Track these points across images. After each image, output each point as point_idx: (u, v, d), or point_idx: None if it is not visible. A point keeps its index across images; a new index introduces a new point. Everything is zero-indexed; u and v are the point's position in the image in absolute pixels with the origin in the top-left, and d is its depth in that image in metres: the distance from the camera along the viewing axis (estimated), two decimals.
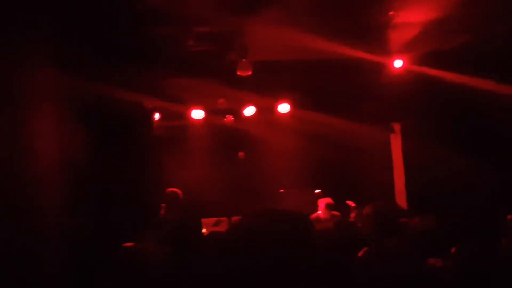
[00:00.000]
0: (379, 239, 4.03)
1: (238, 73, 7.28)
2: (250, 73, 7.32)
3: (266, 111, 9.71)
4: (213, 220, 8.03)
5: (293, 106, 9.48)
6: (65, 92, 4.39)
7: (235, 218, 7.08)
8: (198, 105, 9.59)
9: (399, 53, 8.01)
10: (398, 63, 8.13)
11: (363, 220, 4.28)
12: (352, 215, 7.23)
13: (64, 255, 4.12)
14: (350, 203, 7.65)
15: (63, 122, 4.39)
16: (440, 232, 3.63)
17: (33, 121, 3.74)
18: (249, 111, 9.63)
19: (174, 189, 7.11)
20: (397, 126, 9.95)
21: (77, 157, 4.62)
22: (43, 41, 4.05)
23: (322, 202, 7.98)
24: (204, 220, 4.98)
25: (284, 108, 9.57)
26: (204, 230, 4.79)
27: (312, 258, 1.71)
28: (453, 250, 3.34)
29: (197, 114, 9.70)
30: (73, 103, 4.67)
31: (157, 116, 9.40)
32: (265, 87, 8.33)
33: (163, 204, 7.24)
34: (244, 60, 7.24)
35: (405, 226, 4.28)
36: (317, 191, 8.75)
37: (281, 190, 9.15)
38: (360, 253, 3.94)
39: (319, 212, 7.93)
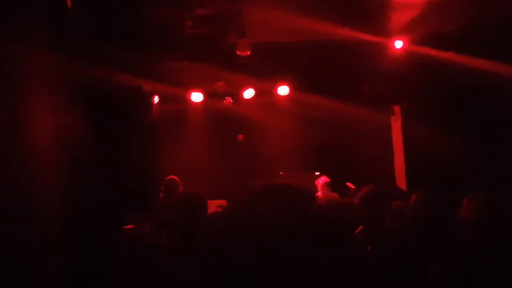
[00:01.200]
0: (375, 220, 4.03)
1: (238, 52, 7.24)
2: (249, 52, 7.29)
3: (265, 93, 9.68)
4: (213, 202, 8.02)
5: (292, 88, 9.45)
6: (62, 76, 4.36)
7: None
8: (197, 88, 9.56)
9: (399, 34, 7.95)
10: (398, 44, 8.08)
11: (359, 201, 4.27)
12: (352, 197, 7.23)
13: (64, 240, 4.12)
14: (350, 185, 7.66)
15: (60, 105, 4.36)
16: (437, 209, 3.61)
17: (30, 105, 3.71)
18: (248, 93, 9.61)
19: (173, 177, 7.10)
20: (397, 108, 9.93)
21: (74, 141, 4.59)
22: (39, 23, 4.01)
23: (320, 182, 7.98)
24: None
25: (283, 90, 9.55)
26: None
27: (312, 232, 1.69)
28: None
29: (196, 97, 9.67)
30: (71, 87, 4.63)
31: (156, 99, 9.38)
32: (264, 70, 8.29)
33: (164, 190, 7.24)
34: (243, 40, 7.20)
35: (399, 206, 4.27)
36: (316, 173, 8.75)
37: (280, 173, 9.15)
38: (357, 231, 3.94)
39: (318, 193, 7.93)
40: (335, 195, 7.79)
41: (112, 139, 6.14)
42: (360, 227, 3.97)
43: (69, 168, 4.34)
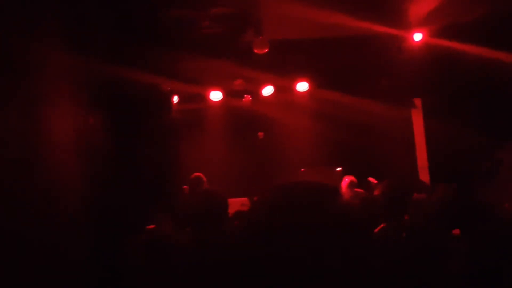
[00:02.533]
0: (397, 214, 3.98)
1: (255, 51, 7.22)
2: (266, 50, 7.26)
3: (284, 90, 9.65)
4: (235, 201, 8.02)
5: (311, 84, 9.40)
6: (82, 76, 4.38)
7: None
8: (216, 87, 9.57)
9: (418, 26, 7.86)
10: (417, 37, 7.99)
11: (381, 196, 4.22)
12: (376, 192, 7.15)
13: (86, 240, 4.13)
14: (372, 180, 7.59)
15: (80, 106, 4.38)
16: (460, 202, 3.55)
17: (50, 104, 3.73)
18: (267, 91, 9.59)
19: (198, 174, 7.10)
20: (418, 102, 9.83)
21: (94, 141, 4.61)
22: (59, 23, 4.03)
23: (345, 181, 7.91)
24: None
25: (302, 86, 9.51)
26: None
27: (336, 230, 1.67)
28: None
29: (215, 96, 9.68)
30: (90, 87, 4.65)
31: (175, 99, 9.41)
32: (282, 67, 8.27)
33: (185, 187, 7.24)
34: (260, 37, 7.18)
35: (420, 199, 4.22)
36: (338, 169, 8.69)
37: (301, 169, 9.10)
38: (377, 229, 3.90)
39: (343, 191, 7.86)
40: (360, 191, 7.71)
41: (132, 139, 6.16)
42: (383, 225, 3.93)
43: (89, 168, 4.36)
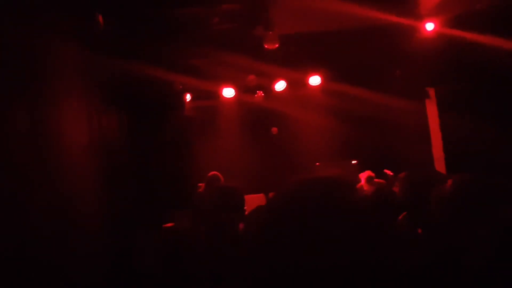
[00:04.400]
0: (416, 207, 3.94)
1: (266, 46, 7.20)
2: (277, 45, 7.24)
3: (297, 85, 9.63)
4: (250, 197, 8.01)
5: (324, 78, 9.37)
6: (97, 74, 4.39)
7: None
8: (228, 83, 9.57)
9: (430, 16, 7.79)
10: (429, 26, 7.91)
11: (398, 188, 4.17)
12: (395, 188, 7.10)
13: (104, 238, 4.15)
14: (388, 172, 7.55)
15: (95, 104, 4.40)
16: (479, 191, 3.49)
17: (65, 104, 3.75)
18: (280, 86, 9.57)
19: (215, 173, 7.11)
20: (432, 92, 9.76)
21: (109, 138, 4.62)
22: (73, 22, 4.04)
23: (363, 176, 7.87)
24: None
25: (315, 80, 9.48)
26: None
27: (354, 223, 1.65)
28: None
29: (228, 92, 9.68)
30: (105, 85, 4.67)
31: (188, 97, 9.42)
32: (294, 61, 8.24)
33: (200, 184, 7.25)
34: (270, 32, 7.15)
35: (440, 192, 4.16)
36: (353, 162, 8.66)
37: (317, 163, 9.08)
38: (400, 217, 3.87)
39: (361, 183, 7.81)
40: (381, 181, 7.64)
41: (147, 137, 6.18)
42: (403, 214, 3.89)
43: (105, 167, 4.37)
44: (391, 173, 7.39)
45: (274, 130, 10.24)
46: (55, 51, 3.57)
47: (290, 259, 1.51)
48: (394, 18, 7.18)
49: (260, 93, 9.75)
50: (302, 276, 1.48)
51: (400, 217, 3.89)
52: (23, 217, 2.91)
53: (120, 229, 4.57)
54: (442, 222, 3.68)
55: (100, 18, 4.63)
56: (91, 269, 3.83)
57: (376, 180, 7.66)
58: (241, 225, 3.89)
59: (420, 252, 3.29)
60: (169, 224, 5.45)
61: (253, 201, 7.91)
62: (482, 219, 3.34)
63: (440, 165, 9.47)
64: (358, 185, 7.82)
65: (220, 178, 7.01)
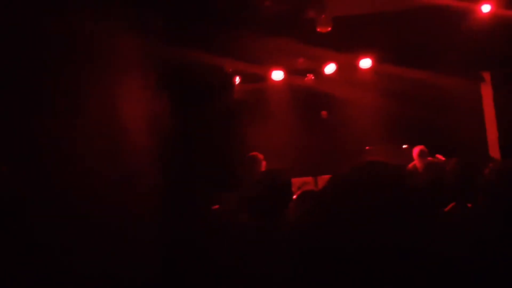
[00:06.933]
0: (466, 196, 3.84)
1: (318, 29, 7.14)
2: (330, 29, 7.17)
3: (347, 67, 9.52)
4: (299, 181, 8.02)
5: (375, 61, 9.24)
6: (149, 57, 4.45)
7: (325, 176, 6.97)
8: (278, 66, 9.54)
9: None
10: (486, 8, 7.69)
11: (449, 175, 4.08)
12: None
13: (155, 219, 4.23)
14: (440, 157, 7.42)
15: (150, 89, 4.46)
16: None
17: (122, 87, 3.81)
18: (330, 68, 9.49)
19: (255, 153, 7.12)
20: (487, 76, 9.51)
21: (162, 122, 4.69)
22: (125, 6, 4.09)
23: (415, 151, 7.73)
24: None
25: (366, 63, 9.35)
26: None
27: (405, 213, 1.65)
28: None
29: (277, 75, 9.66)
30: (157, 70, 4.72)
31: (237, 79, 9.45)
32: (345, 43, 8.15)
33: (246, 168, 7.28)
34: (323, 16, 7.09)
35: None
36: (404, 146, 8.54)
37: (367, 147, 9.00)
38: (447, 208, 3.79)
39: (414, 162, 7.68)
40: (440, 157, 7.49)
41: (196, 120, 6.23)
42: (452, 204, 3.81)
43: (157, 150, 4.44)
44: (443, 158, 7.27)
45: (324, 113, 10.18)
46: (111, 38, 3.63)
47: (340, 244, 1.52)
48: (449, 0, 7.02)
49: (310, 76, 9.69)
50: (350, 259, 1.49)
51: (448, 208, 3.81)
52: (90, 191, 2.99)
53: (174, 211, 4.65)
54: (489, 209, 3.59)
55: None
56: (146, 249, 3.91)
57: (429, 159, 7.51)
58: (289, 208, 3.90)
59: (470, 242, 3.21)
60: (215, 206, 5.51)
61: (301, 184, 7.92)
62: None
63: (494, 150, 9.26)
64: (411, 164, 7.70)
65: (260, 158, 7.00)
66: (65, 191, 2.65)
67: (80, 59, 2.97)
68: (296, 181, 7.40)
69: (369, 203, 1.63)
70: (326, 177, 8.88)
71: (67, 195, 2.66)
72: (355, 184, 1.70)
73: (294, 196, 4.30)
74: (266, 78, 9.76)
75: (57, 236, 2.50)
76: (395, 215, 1.64)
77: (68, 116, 2.79)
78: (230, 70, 8.75)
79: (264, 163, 6.94)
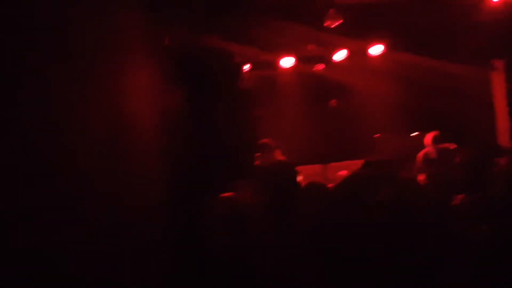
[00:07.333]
0: (479, 185, 3.81)
1: (325, 25, 7.12)
2: (340, 22, 7.13)
3: (358, 54, 9.46)
4: (307, 168, 8.00)
5: (386, 47, 9.17)
6: (160, 43, 4.44)
7: (341, 173, 6.89)
8: (287, 53, 9.50)
9: None
10: None
11: (460, 166, 4.05)
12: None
13: (166, 205, 4.23)
14: (451, 145, 7.38)
15: (159, 73, 4.45)
16: None
17: (132, 72, 3.80)
18: (340, 55, 9.43)
19: (267, 140, 7.12)
20: (499, 64, 9.43)
21: (173, 108, 4.69)
22: None
23: (429, 136, 7.68)
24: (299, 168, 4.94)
25: (376, 50, 9.28)
26: (300, 178, 4.74)
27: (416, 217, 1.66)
28: None
29: (287, 62, 9.61)
30: (168, 54, 4.71)
31: (247, 66, 9.42)
32: (356, 30, 8.09)
33: (257, 154, 7.29)
34: (331, 10, 7.05)
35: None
36: (414, 134, 8.50)
37: (376, 135, 8.97)
38: (456, 202, 3.76)
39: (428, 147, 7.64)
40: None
41: (207, 106, 6.23)
42: (461, 196, 3.77)
43: (167, 136, 4.44)
44: (454, 146, 7.22)
45: (333, 102, 10.15)
46: (121, 23, 3.62)
47: (344, 246, 1.53)
48: None
49: (321, 66, 9.66)
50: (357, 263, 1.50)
51: (457, 201, 3.77)
52: (95, 189, 2.99)
53: (186, 199, 4.66)
54: (500, 201, 3.55)
55: None
56: (157, 234, 3.93)
57: (441, 146, 7.46)
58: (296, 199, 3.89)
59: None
60: (227, 194, 5.50)
61: (310, 171, 7.91)
62: None
63: (504, 138, 9.21)
64: (422, 151, 7.64)
65: (271, 145, 6.99)
66: (68, 189, 2.64)
67: (79, 42, 2.93)
68: (304, 169, 7.40)
69: (380, 206, 1.64)
70: (336, 165, 8.90)
71: (71, 192, 2.65)
72: (367, 186, 1.71)
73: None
74: (276, 65, 9.72)
75: (62, 236, 2.50)
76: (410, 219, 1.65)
77: (69, 110, 2.75)
78: (240, 58, 8.72)
79: (277, 150, 6.95)
